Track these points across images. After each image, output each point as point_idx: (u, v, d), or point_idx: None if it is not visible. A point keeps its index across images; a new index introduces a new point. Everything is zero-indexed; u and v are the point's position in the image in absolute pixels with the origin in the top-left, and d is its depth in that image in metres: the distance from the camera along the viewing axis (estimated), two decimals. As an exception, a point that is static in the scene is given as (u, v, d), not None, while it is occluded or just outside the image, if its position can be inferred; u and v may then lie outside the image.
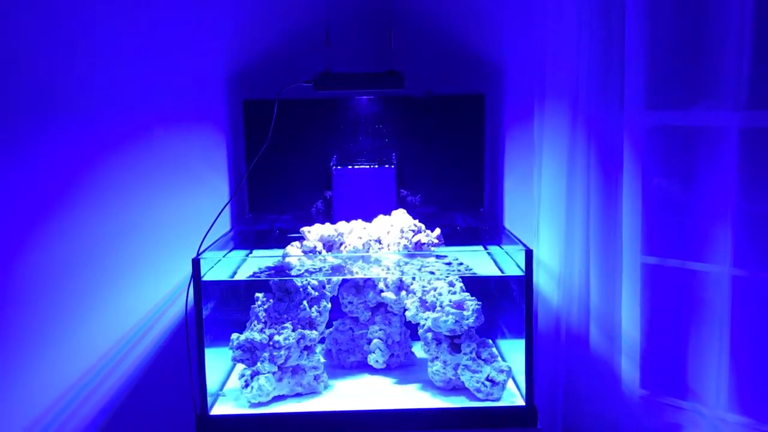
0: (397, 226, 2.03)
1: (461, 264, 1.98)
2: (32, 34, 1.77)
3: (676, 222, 2.02)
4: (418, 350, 2.15)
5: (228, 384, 2.03)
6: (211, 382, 1.87)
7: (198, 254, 1.81)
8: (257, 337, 1.89)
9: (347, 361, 2.14)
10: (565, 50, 2.10)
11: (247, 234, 2.33)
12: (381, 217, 2.11)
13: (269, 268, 1.93)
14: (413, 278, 2.02)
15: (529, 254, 1.78)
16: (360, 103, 2.35)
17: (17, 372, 1.74)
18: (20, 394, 1.74)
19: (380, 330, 2.09)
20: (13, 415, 1.73)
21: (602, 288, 2.10)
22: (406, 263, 1.97)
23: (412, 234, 2.00)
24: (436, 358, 1.95)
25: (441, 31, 2.35)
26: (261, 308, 1.94)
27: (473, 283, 2.01)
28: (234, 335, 1.93)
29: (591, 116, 2.08)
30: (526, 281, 1.80)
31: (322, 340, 2.15)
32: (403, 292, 2.05)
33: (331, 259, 1.97)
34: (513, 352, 2.01)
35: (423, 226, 2.03)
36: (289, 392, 1.94)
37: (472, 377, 1.89)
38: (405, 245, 1.98)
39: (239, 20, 2.31)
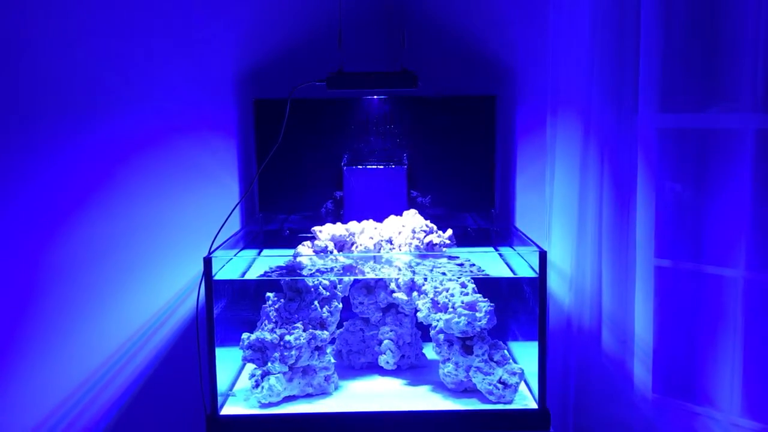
0: (408, 226, 2.02)
1: (473, 265, 1.97)
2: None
3: (689, 225, 2.00)
4: (429, 352, 2.13)
5: (238, 384, 2.02)
6: (221, 382, 1.86)
7: (209, 253, 1.81)
8: (268, 336, 1.88)
9: (357, 362, 2.13)
10: (578, 52, 2.09)
11: (257, 233, 2.32)
12: (392, 217, 2.09)
13: (280, 268, 1.92)
14: (425, 279, 2.01)
15: (542, 255, 1.77)
16: (371, 103, 2.34)
17: (29, 368, 1.73)
18: (30, 391, 1.74)
19: (391, 331, 2.07)
20: (24, 411, 1.72)
21: (615, 290, 2.09)
22: (418, 264, 1.96)
23: (424, 234, 1.98)
24: (448, 359, 1.94)
25: (453, 32, 2.34)
26: (272, 308, 1.93)
27: (485, 285, 2.00)
28: (244, 335, 1.92)
29: (604, 118, 2.06)
30: (539, 282, 1.78)
31: (332, 341, 2.13)
32: (415, 293, 2.03)
33: (343, 259, 1.96)
34: (524, 354, 1.99)
35: (435, 227, 2.02)
36: (300, 393, 1.93)
37: (484, 379, 1.88)
38: (416, 246, 1.97)
39: (250, 20, 2.30)
